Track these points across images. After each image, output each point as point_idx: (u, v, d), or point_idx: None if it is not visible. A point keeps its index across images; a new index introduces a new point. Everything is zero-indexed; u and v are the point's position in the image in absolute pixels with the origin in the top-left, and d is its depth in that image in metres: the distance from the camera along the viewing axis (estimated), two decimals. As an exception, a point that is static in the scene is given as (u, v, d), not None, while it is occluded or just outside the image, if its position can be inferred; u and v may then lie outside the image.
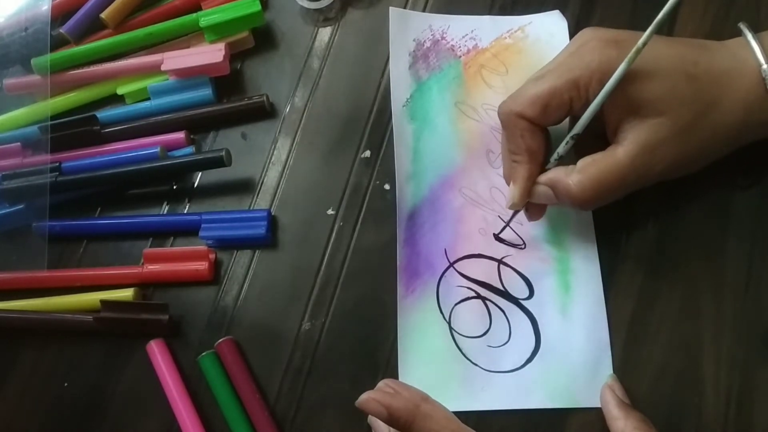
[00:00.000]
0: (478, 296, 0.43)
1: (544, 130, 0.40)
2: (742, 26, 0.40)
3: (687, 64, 0.38)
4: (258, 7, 0.50)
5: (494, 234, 0.45)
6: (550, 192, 0.40)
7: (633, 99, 0.38)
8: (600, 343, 0.41)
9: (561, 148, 0.40)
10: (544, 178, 0.40)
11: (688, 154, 0.39)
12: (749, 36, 0.39)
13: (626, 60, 0.36)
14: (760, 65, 0.38)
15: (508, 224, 0.44)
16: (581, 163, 0.39)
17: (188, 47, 0.52)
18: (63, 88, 0.52)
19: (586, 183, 0.38)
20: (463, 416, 0.34)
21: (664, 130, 0.38)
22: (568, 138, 0.39)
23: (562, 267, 0.43)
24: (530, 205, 0.42)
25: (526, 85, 0.40)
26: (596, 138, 0.40)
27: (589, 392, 0.40)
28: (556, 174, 0.40)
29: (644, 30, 0.36)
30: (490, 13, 0.51)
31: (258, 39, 0.52)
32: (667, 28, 0.48)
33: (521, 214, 0.44)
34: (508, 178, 0.42)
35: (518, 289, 0.43)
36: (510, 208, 0.42)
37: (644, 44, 0.36)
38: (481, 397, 0.41)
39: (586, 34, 0.40)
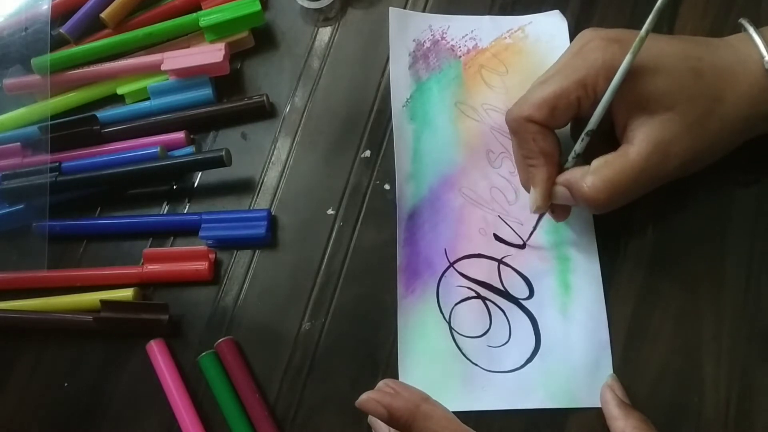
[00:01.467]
0: (478, 296, 0.43)
1: (554, 132, 0.40)
2: (744, 22, 0.40)
3: (691, 60, 0.38)
4: (258, 6, 0.50)
5: (523, 240, 0.44)
6: (568, 193, 0.40)
7: (641, 94, 0.38)
8: (600, 343, 0.41)
9: (578, 146, 0.40)
10: (561, 179, 0.40)
11: (700, 149, 0.39)
12: (751, 30, 0.39)
13: (631, 50, 0.36)
14: (762, 58, 0.38)
15: (535, 228, 0.44)
16: (595, 164, 0.39)
17: (188, 47, 0.52)
18: (63, 87, 0.52)
19: (600, 185, 0.38)
20: (463, 416, 0.34)
21: (675, 126, 0.38)
22: (583, 135, 0.39)
23: (562, 267, 0.43)
24: (555, 206, 0.42)
25: (532, 90, 0.40)
26: (605, 138, 0.40)
27: (589, 392, 0.40)
28: (572, 175, 0.39)
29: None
30: (489, 13, 0.51)
31: (258, 39, 0.52)
32: (667, 27, 0.48)
33: (519, 212, 0.44)
34: (527, 184, 0.42)
35: (518, 289, 0.43)
36: (534, 212, 0.41)
37: (647, 33, 0.36)
38: (481, 397, 0.41)
39: (587, 34, 0.40)
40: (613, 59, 0.37)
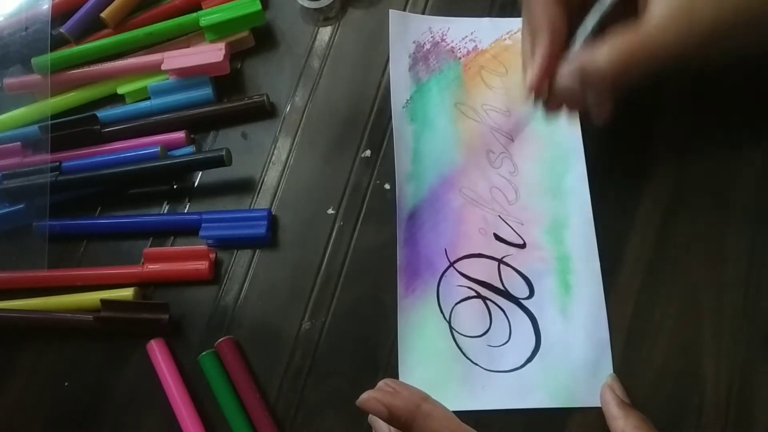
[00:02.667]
0: (479, 296, 0.43)
1: (565, 6, 0.37)
2: None
3: None
4: (258, 6, 0.50)
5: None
6: (576, 73, 0.36)
7: None
8: (600, 342, 0.41)
9: (589, 22, 0.36)
10: (569, 58, 0.37)
11: (724, 20, 0.34)
12: None
13: None
14: None
15: (524, 125, 0.41)
16: (609, 37, 0.35)
17: (188, 47, 0.52)
18: (63, 87, 0.52)
19: (615, 55, 0.34)
20: (463, 416, 0.34)
21: None
22: (597, 12, 0.36)
23: (562, 267, 0.43)
24: (550, 97, 0.39)
25: None
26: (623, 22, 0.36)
27: (590, 392, 0.40)
28: (582, 53, 0.36)
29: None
30: (489, 14, 0.51)
31: (258, 38, 0.52)
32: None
33: (519, 212, 0.44)
34: (527, 61, 0.39)
35: (518, 289, 0.43)
36: (528, 89, 0.38)
37: None
38: (481, 396, 0.41)
39: None
40: None
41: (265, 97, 0.49)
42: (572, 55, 0.37)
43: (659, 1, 0.34)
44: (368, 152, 0.48)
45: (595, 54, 0.35)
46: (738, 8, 0.34)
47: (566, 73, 0.37)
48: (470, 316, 0.43)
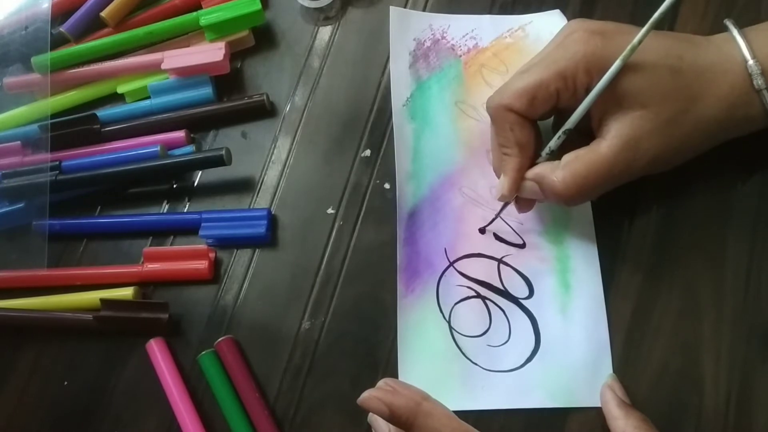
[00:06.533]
0: (478, 295, 0.43)
1: (533, 123, 0.40)
2: (728, 22, 0.40)
3: (672, 58, 0.38)
4: (258, 5, 0.50)
5: (481, 228, 0.45)
6: (537, 187, 0.40)
7: (618, 91, 0.38)
8: (600, 342, 0.41)
9: (552, 143, 0.40)
10: (531, 173, 0.40)
11: (671, 147, 0.39)
12: (735, 32, 0.39)
13: (621, 57, 0.36)
14: (745, 61, 0.38)
15: (497, 216, 0.44)
16: (565, 158, 0.39)
17: (188, 46, 0.52)
18: (63, 86, 0.52)
19: (570, 180, 0.38)
20: (463, 416, 0.34)
21: (647, 124, 0.38)
22: (560, 133, 0.39)
23: (562, 266, 0.43)
24: (519, 198, 0.42)
25: (513, 79, 0.40)
26: (582, 134, 0.40)
27: (589, 392, 0.40)
28: (542, 170, 0.40)
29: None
30: (490, 12, 0.51)
31: (258, 38, 0.52)
32: (667, 27, 0.48)
33: (520, 214, 0.44)
34: (498, 171, 0.42)
35: (518, 289, 0.43)
36: (499, 200, 0.42)
37: (640, 42, 0.36)
38: (480, 396, 0.41)
39: (572, 25, 0.40)
40: (594, 53, 0.38)
41: (265, 97, 0.49)
42: (535, 170, 0.40)
43: (613, 129, 0.38)
44: (368, 152, 0.48)
45: (554, 176, 0.39)
46: (684, 140, 0.39)
47: (529, 188, 0.41)
48: (470, 315, 0.43)
